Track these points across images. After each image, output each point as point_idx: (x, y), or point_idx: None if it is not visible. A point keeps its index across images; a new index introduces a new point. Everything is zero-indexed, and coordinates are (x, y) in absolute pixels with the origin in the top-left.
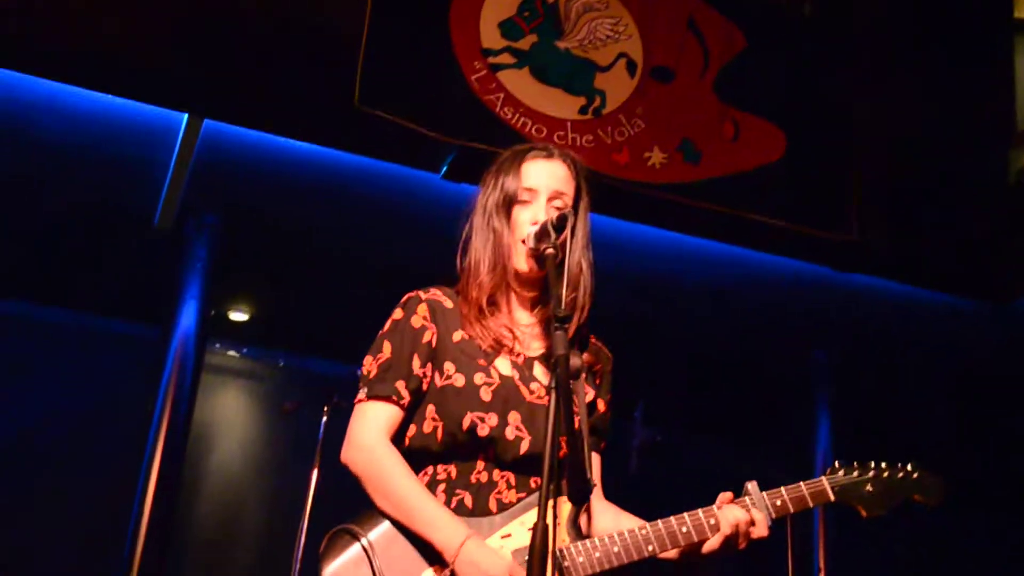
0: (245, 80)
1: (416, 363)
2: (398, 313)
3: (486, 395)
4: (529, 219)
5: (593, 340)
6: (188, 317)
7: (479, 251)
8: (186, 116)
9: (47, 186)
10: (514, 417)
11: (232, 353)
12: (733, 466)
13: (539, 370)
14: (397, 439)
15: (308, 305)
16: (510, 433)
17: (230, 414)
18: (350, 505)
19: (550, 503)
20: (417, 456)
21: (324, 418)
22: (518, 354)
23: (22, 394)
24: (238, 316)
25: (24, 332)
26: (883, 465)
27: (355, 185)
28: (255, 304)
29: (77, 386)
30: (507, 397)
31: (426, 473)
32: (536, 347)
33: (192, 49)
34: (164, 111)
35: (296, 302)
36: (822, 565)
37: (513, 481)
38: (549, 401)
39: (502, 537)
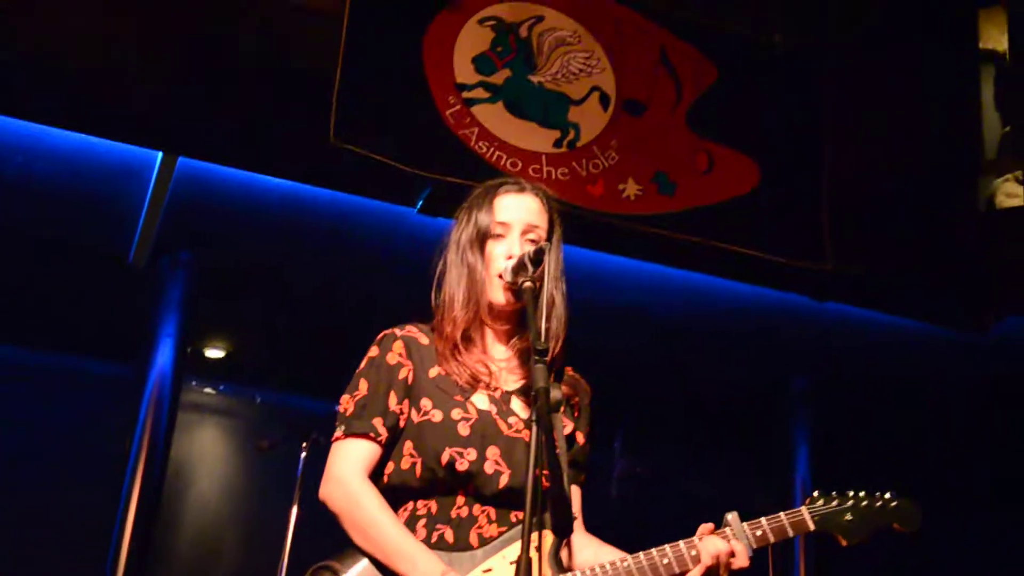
0: (219, 117)
1: (393, 400)
2: (374, 350)
3: (464, 430)
4: (503, 253)
5: (571, 372)
6: (164, 355)
7: (453, 287)
8: (160, 154)
9: (21, 225)
10: (492, 452)
11: (208, 390)
12: (713, 494)
13: (517, 404)
14: (376, 476)
15: (284, 342)
16: (489, 468)
17: (207, 452)
18: (329, 543)
19: (534, 536)
20: (397, 492)
21: (303, 455)
22: (495, 388)
23: None
24: (214, 353)
25: None
26: (861, 494)
27: (330, 221)
28: (231, 341)
29: (53, 426)
30: (485, 432)
31: (406, 509)
32: (513, 381)
33: (166, 87)
34: (138, 149)
35: (272, 339)
36: None
37: (493, 515)
38: (530, 435)
39: (484, 572)
